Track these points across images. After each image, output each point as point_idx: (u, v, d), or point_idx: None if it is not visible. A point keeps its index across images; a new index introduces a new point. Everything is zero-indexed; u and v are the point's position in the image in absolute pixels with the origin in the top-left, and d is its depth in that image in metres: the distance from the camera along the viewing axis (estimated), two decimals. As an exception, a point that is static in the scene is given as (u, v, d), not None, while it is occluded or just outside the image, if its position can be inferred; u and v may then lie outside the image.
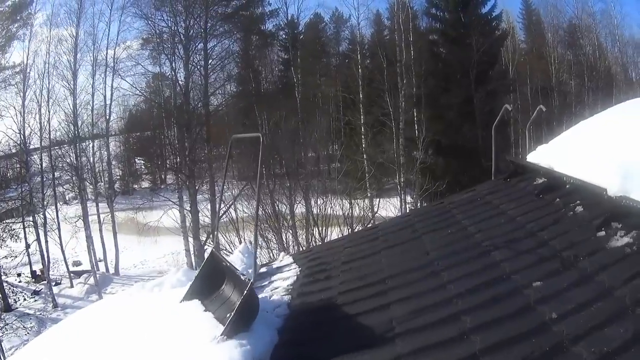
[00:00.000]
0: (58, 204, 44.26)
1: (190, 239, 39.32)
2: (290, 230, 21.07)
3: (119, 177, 61.92)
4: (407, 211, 43.02)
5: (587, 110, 50.98)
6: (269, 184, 38.49)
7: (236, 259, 6.52)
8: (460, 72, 42.46)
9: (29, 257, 41.46)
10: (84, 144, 46.03)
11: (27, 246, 40.44)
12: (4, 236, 40.85)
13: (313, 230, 20.10)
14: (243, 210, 29.20)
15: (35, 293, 39.95)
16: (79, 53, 45.38)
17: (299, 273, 6.08)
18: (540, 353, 3.32)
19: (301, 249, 18.74)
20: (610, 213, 4.91)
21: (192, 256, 38.19)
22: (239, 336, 3.94)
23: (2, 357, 28.61)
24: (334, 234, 19.11)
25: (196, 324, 4.21)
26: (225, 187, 38.84)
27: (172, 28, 43.35)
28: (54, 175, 43.61)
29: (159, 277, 6.52)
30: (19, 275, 42.56)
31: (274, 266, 6.79)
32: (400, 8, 50.27)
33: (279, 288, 5.70)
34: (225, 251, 20.74)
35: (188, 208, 39.88)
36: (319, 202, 25.32)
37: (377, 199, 40.36)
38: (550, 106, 51.05)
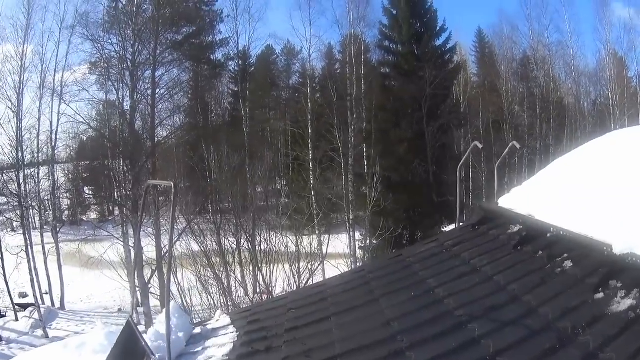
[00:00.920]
0: (0, 233, 42.30)
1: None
2: (232, 275, 20.04)
3: (67, 207, 61.06)
4: (357, 254, 42.53)
5: (540, 143, 51.09)
6: (216, 220, 37.79)
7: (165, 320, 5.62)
8: (412, 106, 41.87)
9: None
10: (29, 170, 44.34)
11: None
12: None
13: (260, 269, 19.16)
14: (187, 247, 28.07)
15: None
16: (25, 73, 43.88)
17: (236, 339, 5.17)
18: None
19: (247, 292, 17.79)
20: (608, 270, 4.16)
21: (138, 294, 37.04)
22: None
23: None
24: (281, 274, 18.15)
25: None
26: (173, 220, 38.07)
27: (120, 53, 41.82)
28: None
29: (81, 336, 5.71)
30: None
31: (210, 327, 5.87)
32: (353, 41, 49.93)
33: (212, 358, 4.87)
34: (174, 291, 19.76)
35: (132, 244, 38.47)
36: (266, 239, 24.46)
37: (327, 236, 39.65)
38: (503, 139, 50.84)
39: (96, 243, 39.96)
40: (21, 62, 43.58)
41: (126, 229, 39.77)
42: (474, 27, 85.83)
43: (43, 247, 42.85)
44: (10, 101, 42.80)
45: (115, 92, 42.89)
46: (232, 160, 39.25)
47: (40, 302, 39.44)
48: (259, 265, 19.21)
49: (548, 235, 5.21)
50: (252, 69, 68.05)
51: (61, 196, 54.36)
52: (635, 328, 3.49)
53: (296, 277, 16.66)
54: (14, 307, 38.54)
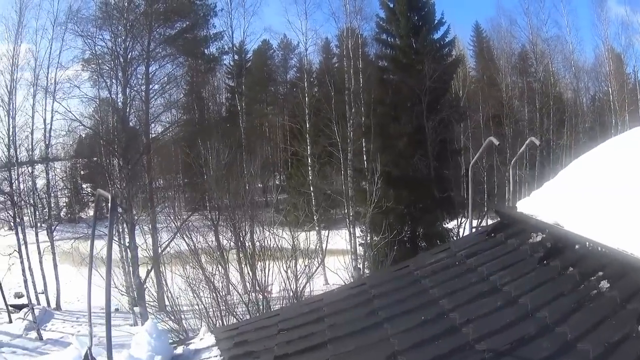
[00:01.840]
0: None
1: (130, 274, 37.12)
2: (223, 276, 19.27)
3: (65, 204, 60.53)
4: (358, 251, 42.03)
5: (541, 137, 50.57)
6: (213, 217, 37.20)
7: (142, 341, 5.00)
8: (411, 100, 40.89)
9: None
10: (23, 169, 43.98)
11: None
12: None
13: (254, 268, 18.41)
14: (183, 243, 27.29)
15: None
16: (18, 71, 43.35)
17: (220, 364, 4.47)
18: None
19: (240, 293, 17.11)
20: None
21: (135, 293, 36.33)
22: None
23: None
24: (277, 274, 17.44)
25: None
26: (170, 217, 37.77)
27: (112, 49, 41.15)
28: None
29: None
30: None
31: (192, 347, 5.25)
32: (350, 34, 49.55)
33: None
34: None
35: (126, 243, 37.75)
36: (259, 237, 23.74)
37: (326, 231, 39.00)
38: (503, 134, 50.40)
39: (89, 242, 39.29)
40: (12, 60, 42.95)
41: (121, 227, 38.81)
42: (471, 21, 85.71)
43: (38, 246, 41.84)
44: (2, 99, 42.23)
45: (107, 88, 41.91)
46: (223, 157, 38.87)
47: (35, 302, 38.86)
48: (251, 264, 18.49)
49: (576, 247, 4.52)
50: (249, 63, 67.72)
51: (58, 194, 53.85)
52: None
53: (292, 280, 15.94)
54: (7, 308, 37.63)
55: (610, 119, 55.38)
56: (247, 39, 61.52)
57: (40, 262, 41.35)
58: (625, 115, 53.31)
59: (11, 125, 42.41)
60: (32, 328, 34.43)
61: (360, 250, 42.82)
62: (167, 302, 19.73)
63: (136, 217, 37.87)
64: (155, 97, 43.93)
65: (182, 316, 16.86)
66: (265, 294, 16.30)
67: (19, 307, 38.80)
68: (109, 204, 3.97)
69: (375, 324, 4.48)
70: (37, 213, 44.73)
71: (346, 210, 45.06)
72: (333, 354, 4.08)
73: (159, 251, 34.85)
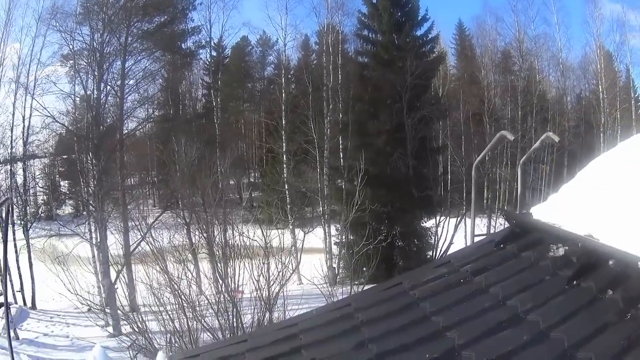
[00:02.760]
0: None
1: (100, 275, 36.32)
2: (191, 277, 18.22)
3: (43, 202, 60.24)
4: (333, 250, 41.58)
5: (525, 136, 50.22)
6: (184, 215, 36.51)
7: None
8: (391, 97, 40.05)
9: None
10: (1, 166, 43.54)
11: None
12: None
13: (226, 270, 17.51)
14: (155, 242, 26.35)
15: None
16: (3, 69, 43.08)
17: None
18: None
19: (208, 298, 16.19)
20: None
21: (102, 295, 35.61)
22: None
23: None
24: (251, 276, 16.56)
25: None
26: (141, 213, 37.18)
27: (90, 44, 40.31)
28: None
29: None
30: None
31: None
32: (330, 30, 49.18)
33: None
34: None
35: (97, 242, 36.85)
36: (234, 235, 22.86)
37: (301, 232, 38.46)
38: (483, 132, 50.93)
39: (68, 238, 39.07)
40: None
41: (93, 225, 38.06)
42: (453, 19, 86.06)
43: (15, 244, 40.70)
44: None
45: (82, 84, 41.38)
46: (195, 154, 38.33)
47: (13, 301, 37.99)
48: (221, 266, 17.64)
49: (610, 263, 3.64)
50: (227, 60, 67.52)
51: (36, 191, 53.76)
52: None
53: (264, 286, 15.08)
54: (-19, 308, 36.81)
55: (599, 118, 55.35)
56: (225, 34, 61.93)
57: (17, 261, 40.78)
58: (617, 113, 53.31)
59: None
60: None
61: (335, 249, 42.65)
62: (140, 302, 19.00)
63: (107, 216, 37.05)
64: (130, 92, 43.11)
65: (146, 325, 16.01)
66: (236, 299, 15.46)
67: (-4, 306, 37.84)
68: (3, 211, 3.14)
69: (365, 360, 3.53)
70: (13, 211, 44.19)
71: (321, 209, 44.66)
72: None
73: (130, 250, 34.10)
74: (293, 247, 27.17)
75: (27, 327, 34.89)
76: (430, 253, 39.35)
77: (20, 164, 45.28)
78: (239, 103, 69.61)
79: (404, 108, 37.57)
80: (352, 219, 30.33)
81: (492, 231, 47.93)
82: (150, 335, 15.30)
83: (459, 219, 39.94)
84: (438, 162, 46.54)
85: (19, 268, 40.70)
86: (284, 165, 47.86)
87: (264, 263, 15.36)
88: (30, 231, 43.03)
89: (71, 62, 42.80)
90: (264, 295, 14.54)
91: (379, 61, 42.39)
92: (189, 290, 15.09)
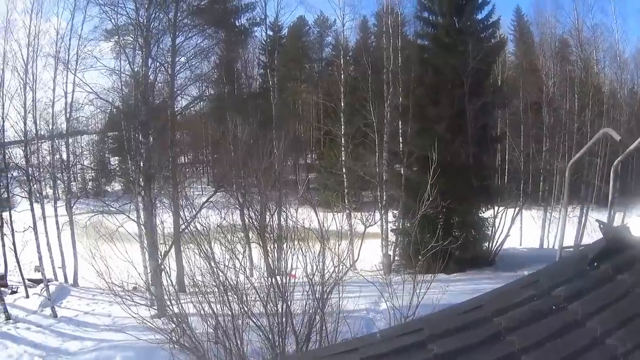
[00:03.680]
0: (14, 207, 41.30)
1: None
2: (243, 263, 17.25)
3: (91, 178, 60.09)
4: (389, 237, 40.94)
5: (583, 129, 49.08)
6: (237, 196, 35.92)
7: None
8: (452, 82, 39.04)
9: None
10: (42, 142, 43.11)
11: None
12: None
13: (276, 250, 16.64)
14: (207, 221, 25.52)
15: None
16: (38, 43, 42.17)
17: None
18: None
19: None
20: None
21: (149, 276, 35.05)
22: None
23: None
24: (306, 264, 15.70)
25: None
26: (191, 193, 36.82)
27: (135, 19, 39.11)
28: (7, 174, 39.93)
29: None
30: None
31: None
32: (389, 11, 47.93)
33: None
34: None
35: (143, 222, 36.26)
36: (292, 215, 22.05)
37: (357, 213, 37.98)
38: (542, 123, 50.61)
39: (114, 216, 38.34)
40: (29, 31, 42.00)
41: (141, 203, 37.54)
42: (513, 5, 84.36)
43: (56, 221, 41.29)
44: (19, 72, 41.04)
45: (127, 60, 40.39)
46: (246, 134, 37.81)
47: (53, 278, 38.71)
48: (274, 246, 16.78)
49: None
50: (284, 40, 67.26)
51: (83, 167, 53.35)
52: None
53: (318, 286, 14.10)
54: (24, 282, 37.11)
55: None
56: (281, 12, 60.42)
57: (59, 237, 40.80)
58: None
59: (30, 99, 41.26)
60: (48, 304, 33.55)
61: (391, 236, 41.59)
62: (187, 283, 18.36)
63: (156, 195, 36.59)
64: (182, 69, 42.28)
65: (189, 318, 15.11)
66: (288, 285, 14.64)
67: (37, 282, 38.14)
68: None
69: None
70: (56, 188, 43.98)
71: (379, 194, 43.55)
72: None
73: (179, 230, 33.64)
74: (349, 235, 26.56)
75: (67, 304, 34.87)
76: (487, 244, 38.72)
77: (63, 140, 45.07)
78: (296, 84, 69.78)
79: (465, 94, 36.62)
80: (408, 205, 29.62)
81: (547, 226, 46.94)
82: (190, 328, 14.49)
83: (516, 210, 39.11)
84: (497, 151, 45.65)
85: (60, 245, 40.69)
86: (342, 148, 47.32)
87: (318, 261, 14.51)
88: (75, 208, 42.54)
89: (116, 37, 42.11)
90: (317, 291, 13.69)
91: (440, 44, 41.38)
92: (236, 282, 14.24)
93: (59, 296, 35.93)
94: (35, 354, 25.44)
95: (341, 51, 53.92)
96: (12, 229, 36.81)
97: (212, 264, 14.44)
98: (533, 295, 3.76)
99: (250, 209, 27.02)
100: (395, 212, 42.14)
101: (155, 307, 22.62)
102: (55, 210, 42.17)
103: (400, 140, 43.72)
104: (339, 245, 15.18)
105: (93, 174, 62.25)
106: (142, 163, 36.61)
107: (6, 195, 39.79)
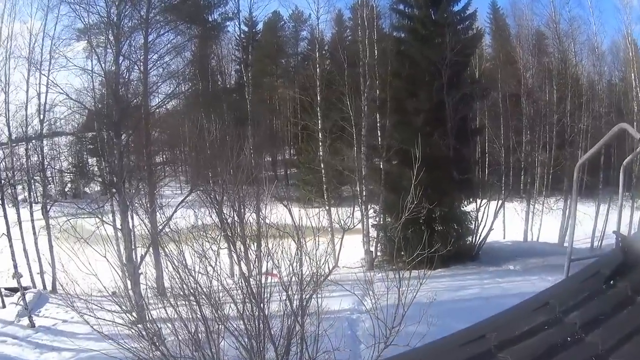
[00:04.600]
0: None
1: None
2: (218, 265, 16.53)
3: (69, 180, 59.97)
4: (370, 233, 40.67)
5: (563, 120, 49.16)
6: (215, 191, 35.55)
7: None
8: (430, 74, 38.80)
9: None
10: (15, 146, 42.23)
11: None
12: None
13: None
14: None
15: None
16: (12, 45, 41.63)
17: None
18: None
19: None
20: None
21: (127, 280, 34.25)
22: None
23: None
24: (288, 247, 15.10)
25: None
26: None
27: (107, 17, 38.51)
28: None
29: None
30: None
31: None
32: (365, 3, 47.78)
33: None
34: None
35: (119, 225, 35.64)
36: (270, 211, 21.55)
37: (335, 209, 37.51)
38: (520, 114, 50.49)
39: (91, 218, 36.74)
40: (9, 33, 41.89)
41: (116, 205, 37.15)
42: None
43: (32, 225, 40.70)
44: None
45: (98, 59, 39.79)
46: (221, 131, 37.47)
47: (31, 285, 38.20)
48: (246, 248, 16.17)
49: None
50: (259, 35, 67.27)
51: (61, 169, 54.25)
52: None
53: (297, 293, 13.49)
54: (0, 292, 36.08)
55: (630, 106, 54.50)
56: (254, 6, 60.29)
57: (36, 243, 39.81)
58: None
59: (1, 100, 40.96)
60: (25, 314, 32.65)
61: (372, 231, 41.31)
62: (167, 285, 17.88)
63: (131, 196, 36.05)
64: (154, 67, 41.93)
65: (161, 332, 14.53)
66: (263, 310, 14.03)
67: (14, 290, 36.82)
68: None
69: None
70: (31, 191, 43.46)
71: (358, 189, 43.22)
72: None
73: (156, 231, 33.16)
74: (330, 247, 26.02)
75: (46, 313, 33.77)
76: (470, 239, 38.51)
77: (38, 143, 44.39)
78: (272, 79, 69.92)
79: (443, 86, 36.40)
80: (388, 199, 29.31)
81: (531, 218, 46.85)
82: (162, 340, 13.90)
83: (498, 203, 38.91)
84: (477, 143, 45.44)
85: (37, 250, 39.44)
86: (320, 143, 47.37)
87: (295, 263, 13.90)
88: (52, 212, 41.74)
89: (86, 36, 41.50)
90: (295, 301, 13.10)
91: (416, 36, 41.18)
92: (210, 287, 13.64)
93: (37, 304, 34.90)
94: (11, 370, 24.94)
95: (317, 45, 53.95)
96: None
97: (182, 270, 13.89)
98: (544, 323, 3.17)
99: (216, 208, 26.58)
100: (375, 207, 41.73)
101: (134, 314, 22.15)
102: (31, 214, 41.49)
103: (379, 134, 43.38)
104: (316, 250, 14.52)
105: (71, 176, 61.74)
106: (115, 163, 36.18)
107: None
